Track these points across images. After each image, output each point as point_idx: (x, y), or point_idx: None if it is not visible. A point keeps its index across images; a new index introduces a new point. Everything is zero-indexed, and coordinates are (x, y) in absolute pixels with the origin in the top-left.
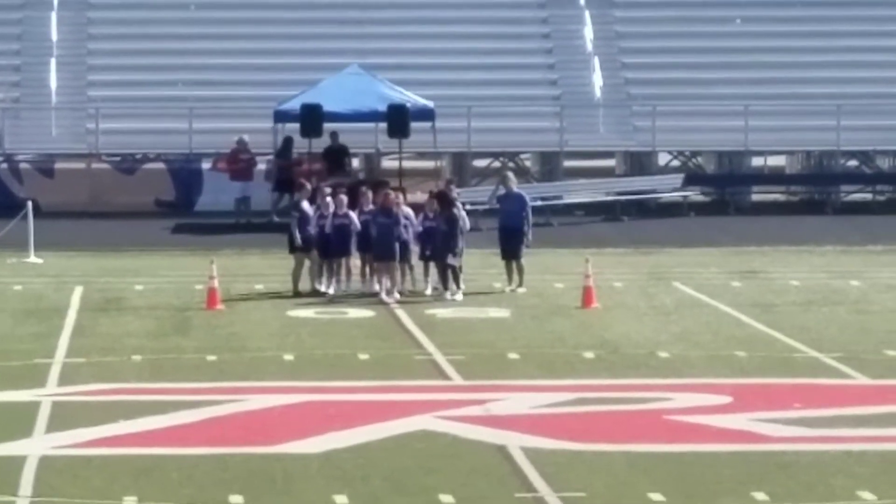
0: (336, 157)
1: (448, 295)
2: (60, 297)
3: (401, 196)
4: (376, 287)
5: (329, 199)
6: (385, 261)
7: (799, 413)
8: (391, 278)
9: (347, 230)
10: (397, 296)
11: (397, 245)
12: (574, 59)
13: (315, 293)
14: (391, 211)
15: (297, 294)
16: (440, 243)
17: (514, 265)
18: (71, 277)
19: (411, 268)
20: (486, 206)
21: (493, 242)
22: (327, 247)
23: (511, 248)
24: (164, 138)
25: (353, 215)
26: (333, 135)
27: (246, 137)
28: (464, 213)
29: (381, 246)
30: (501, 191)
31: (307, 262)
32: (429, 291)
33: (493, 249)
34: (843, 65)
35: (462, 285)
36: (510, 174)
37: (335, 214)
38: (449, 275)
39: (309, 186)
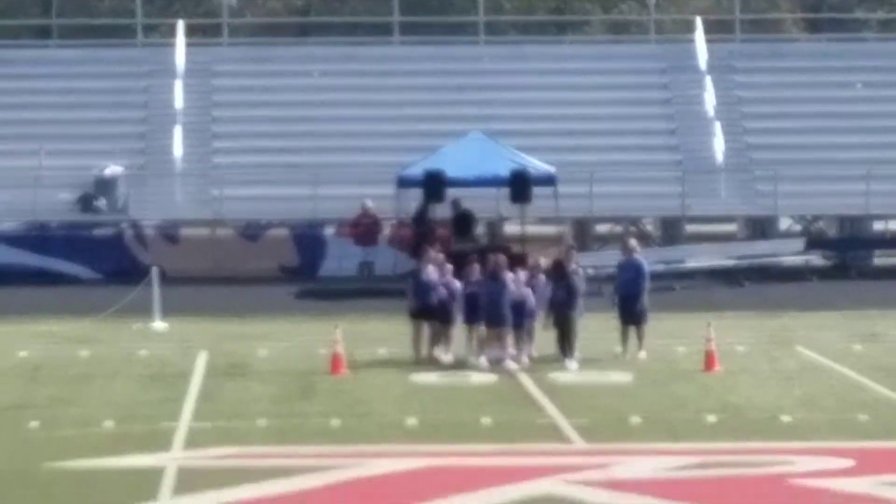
0: (465, 223)
1: (566, 363)
2: (185, 363)
3: (540, 260)
4: (494, 355)
5: (447, 265)
6: (496, 327)
7: None
8: (504, 344)
9: (478, 300)
10: (515, 362)
11: (508, 310)
12: (695, 124)
13: (432, 361)
14: (499, 276)
15: (418, 360)
16: (559, 310)
17: (631, 331)
18: (196, 343)
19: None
20: (608, 272)
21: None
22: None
23: (629, 314)
24: (287, 204)
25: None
26: (455, 201)
27: (370, 202)
28: (574, 280)
29: (490, 312)
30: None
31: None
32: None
33: (614, 314)
34: None
35: (576, 353)
36: (632, 241)
37: (468, 282)
38: (570, 341)
39: (433, 253)
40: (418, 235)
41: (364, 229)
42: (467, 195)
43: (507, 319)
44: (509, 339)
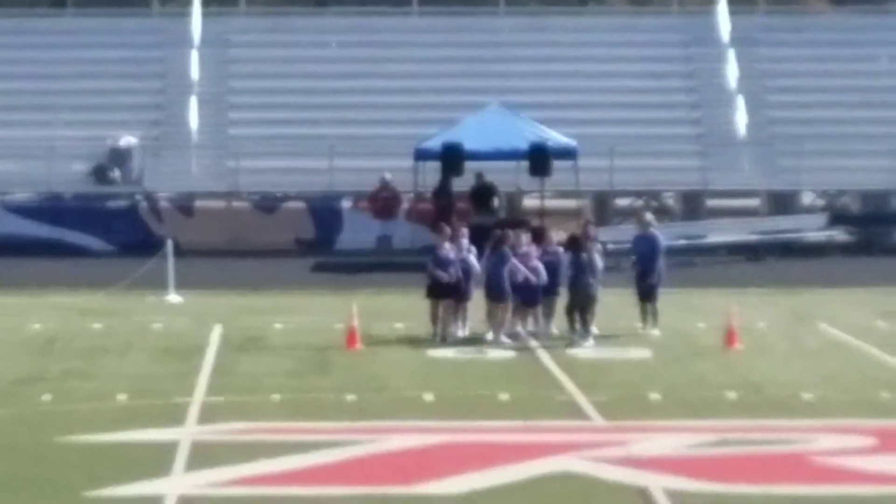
0: (483, 196)
1: (581, 341)
2: (200, 336)
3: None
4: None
5: (465, 240)
6: (496, 301)
7: None
8: (510, 318)
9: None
10: (531, 336)
11: (507, 284)
12: (717, 98)
13: (444, 339)
14: (498, 249)
15: (437, 336)
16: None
17: (648, 307)
18: (210, 316)
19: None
20: (628, 247)
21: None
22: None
23: (645, 289)
24: (304, 177)
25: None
26: (479, 175)
27: (388, 176)
28: (595, 256)
29: (489, 286)
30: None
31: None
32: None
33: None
34: None
35: (593, 329)
36: (648, 215)
37: (488, 258)
38: (585, 318)
39: (448, 229)
40: (439, 209)
41: (383, 203)
42: (486, 168)
43: (506, 293)
44: (507, 314)
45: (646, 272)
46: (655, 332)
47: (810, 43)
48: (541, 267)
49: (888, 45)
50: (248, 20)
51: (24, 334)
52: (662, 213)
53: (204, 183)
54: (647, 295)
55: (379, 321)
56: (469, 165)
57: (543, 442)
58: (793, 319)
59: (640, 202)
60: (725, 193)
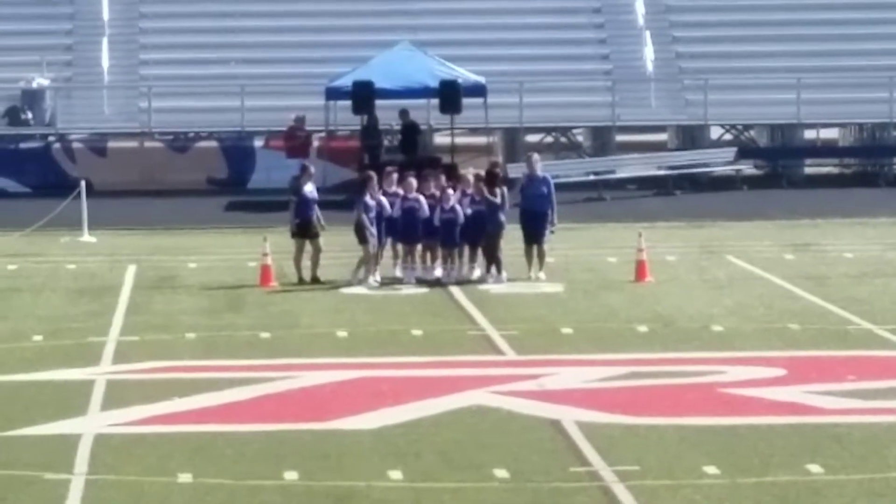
0: (409, 134)
1: (490, 280)
2: (114, 276)
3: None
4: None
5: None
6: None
7: (852, 385)
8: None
9: (416, 215)
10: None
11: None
12: (625, 34)
13: (316, 280)
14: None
15: (300, 281)
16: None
17: (535, 250)
18: (124, 256)
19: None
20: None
21: None
22: (395, 232)
23: (535, 232)
24: (216, 116)
25: (423, 199)
26: (404, 112)
27: (303, 115)
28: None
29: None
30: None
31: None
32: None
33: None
34: None
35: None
36: (536, 155)
37: (405, 198)
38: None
39: (312, 170)
40: (366, 148)
41: (296, 141)
42: (397, 106)
43: (366, 236)
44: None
45: (541, 214)
46: (542, 276)
47: None
48: (458, 208)
49: None
50: None
51: None
52: (572, 148)
53: (116, 123)
54: (535, 237)
55: (292, 258)
56: (381, 104)
57: (456, 376)
58: (702, 252)
59: (549, 138)
60: (634, 129)
